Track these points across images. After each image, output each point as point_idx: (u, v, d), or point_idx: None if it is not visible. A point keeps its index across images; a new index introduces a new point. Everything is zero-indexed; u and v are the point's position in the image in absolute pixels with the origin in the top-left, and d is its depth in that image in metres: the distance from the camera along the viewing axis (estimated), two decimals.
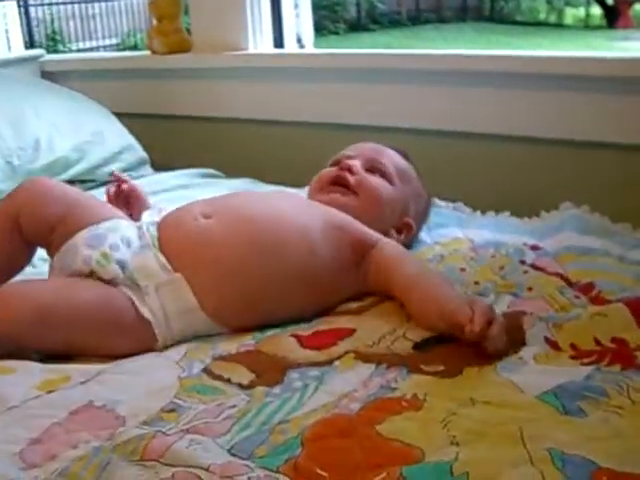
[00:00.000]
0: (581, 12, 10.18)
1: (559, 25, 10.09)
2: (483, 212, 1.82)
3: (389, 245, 1.44)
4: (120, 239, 1.35)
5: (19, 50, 2.97)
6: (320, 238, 1.38)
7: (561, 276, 1.42)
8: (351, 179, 1.53)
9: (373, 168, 1.56)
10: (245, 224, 1.36)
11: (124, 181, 1.59)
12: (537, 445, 0.92)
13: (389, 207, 1.53)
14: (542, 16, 10.56)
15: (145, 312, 1.28)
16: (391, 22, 10.73)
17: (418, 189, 1.63)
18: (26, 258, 1.47)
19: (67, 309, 1.24)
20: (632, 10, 9.11)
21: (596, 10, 9.80)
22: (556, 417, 0.99)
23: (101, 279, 1.31)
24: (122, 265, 1.32)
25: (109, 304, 1.27)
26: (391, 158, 1.60)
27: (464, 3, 11.00)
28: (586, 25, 9.82)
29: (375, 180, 1.55)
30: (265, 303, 1.32)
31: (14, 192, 1.47)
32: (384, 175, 1.56)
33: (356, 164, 1.55)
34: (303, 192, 1.96)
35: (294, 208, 1.44)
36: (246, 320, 1.31)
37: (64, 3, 9.57)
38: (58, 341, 1.24)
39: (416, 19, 10.83)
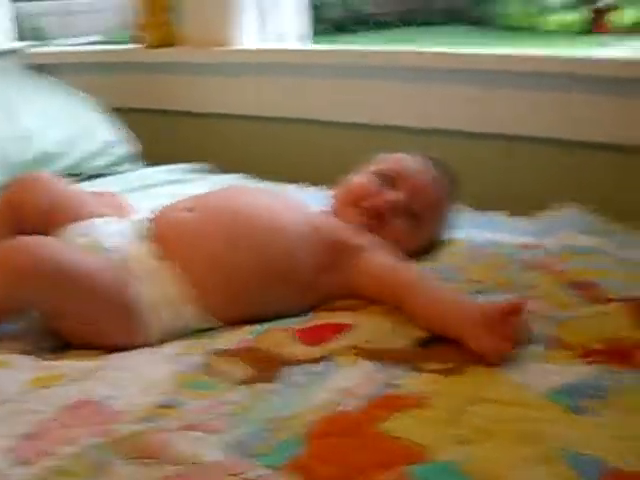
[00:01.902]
0: (568, 18, 10.19)
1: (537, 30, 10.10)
2: (479, 211, 1.80)
3: (381, 252, 1.40)
4: (113, 230, 1.38)
5: (5, 42, 2.92)
6: (298, 237, 1.37)
7: (562, 274, 1.40)
8: (386, 217, 1.48)
9: (410, 206, 1.49)
10: (222, 218, 1.37)
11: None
12: (549, 444, 0.90)
13: (402, 250, 1.45)
14: (529, 21, 10.57)
15: (134, 295, 1.28)
16: (376, 24, 10.70)
17: (440, 230, 1.58)
18: None
19: (70, 263, 1.25)
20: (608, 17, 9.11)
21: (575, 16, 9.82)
22: (566, 416, 0.97)
23: None
24: (114, 251, 1.33)
25: (108, 276, 1.28)
26: (432, 197, 1.53)
27: (450, 6, 10.98)
28: (570, 31, 9.83)
29: (404, 228, 1.49)
30: (245, 295, 1.32)
31: (10, 185, 1.52)
32: (416, 218, 1.50)
33: (400, 204, 1.48)
34: (296, 189, 1.95)
35: (276, 206, 1.43)
36: (232, 312, 1.31)
37: None
38: (51, 298, 1.23)
39: (402, 21, 10.81)
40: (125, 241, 1.36)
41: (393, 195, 1.49)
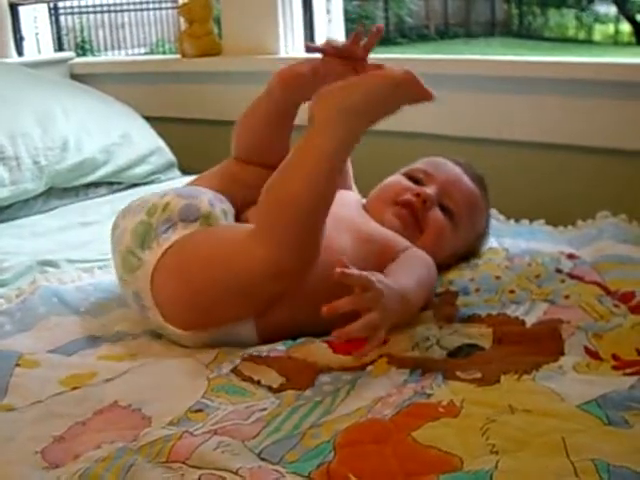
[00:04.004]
0: (610, 29, 10.10)
1: (588, 41, 10.02)
2: (517, 220, 1.79)
3: (410, 254, 1.39)
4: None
5: (49, 52, 2.97)
6: (349, 256, 1.31)
7: (599, 285, 1.38)
8: (421, 213, 1.48)
9: (443, 202, 1.50)
10: None
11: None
12: (581, 456, 0.88)
13: (444, 251, 1.48)
14: (571, 32, 10.50)
15: None
16: (419, 36, 10.70)
17: (480, 229, 1.58)
18: None
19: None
20: None
21: (625, 27, 9.72)
22: (600, 427, 0.95)
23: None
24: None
25: None
26: (464, 192, 1.53)
27: (492, 18, 10.95)
28: (615, 42, 9.74)
29: (441, 221, 1.49)
30: (300, 317, 1.26)
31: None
32: (452, 215, 1.50)
33: (432, 197, 1.48)
34: None
35: None
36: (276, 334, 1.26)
37: (94, 12, 9.61)
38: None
39: (444, 33, 10.80)
40: None
41: (423, 189, 1.50)
